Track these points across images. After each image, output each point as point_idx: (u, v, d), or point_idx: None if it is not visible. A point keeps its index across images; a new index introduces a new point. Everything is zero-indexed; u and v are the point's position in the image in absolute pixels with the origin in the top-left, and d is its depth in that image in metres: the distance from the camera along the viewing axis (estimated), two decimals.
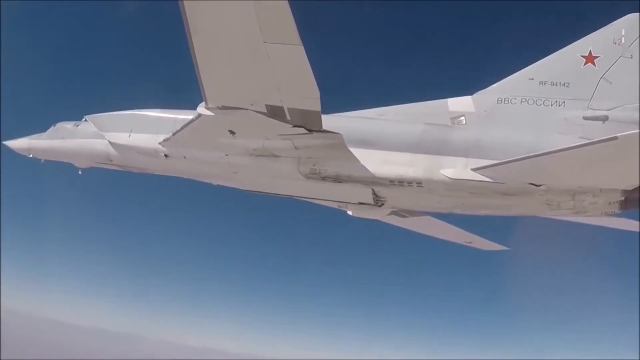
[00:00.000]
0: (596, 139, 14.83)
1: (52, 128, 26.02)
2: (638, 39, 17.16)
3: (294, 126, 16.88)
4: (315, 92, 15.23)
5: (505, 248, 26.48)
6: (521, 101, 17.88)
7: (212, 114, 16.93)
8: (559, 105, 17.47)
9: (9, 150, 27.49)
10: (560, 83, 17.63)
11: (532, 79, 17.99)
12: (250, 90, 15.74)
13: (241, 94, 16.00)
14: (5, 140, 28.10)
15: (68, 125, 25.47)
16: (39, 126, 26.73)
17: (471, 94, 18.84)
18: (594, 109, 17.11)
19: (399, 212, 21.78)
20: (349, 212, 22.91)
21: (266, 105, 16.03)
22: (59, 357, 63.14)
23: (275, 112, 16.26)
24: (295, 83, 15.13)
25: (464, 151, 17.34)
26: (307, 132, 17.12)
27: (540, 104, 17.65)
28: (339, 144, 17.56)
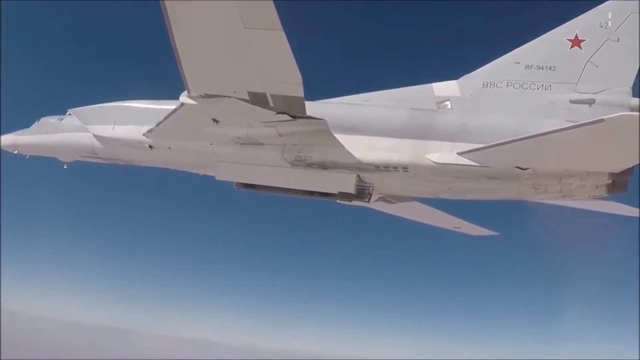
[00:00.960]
0: (582, 122, 14.75)
1: (36, 123, 25.71)
2: (624, 22, 17.05)
3: (278, 113, 16.76)
4: (298, 78, 15.07)
5: (494, 233, 26.43)
6: (507, 85, 17.78)
7: (194, 102, 16.81)
8: (545, 89, 17.40)
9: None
10: (546, 67, 17.55)
11: (518, 62, 17.89)
12: (233, 78, 15.58)
13: (223, 82, 15.84)
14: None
15: (52, 120, 25.20)
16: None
17: (457, 78, 18.71)
18: (581, 93, 17.05)
19: (386, 198, 21.67)
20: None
21: (249, 92, 15.89)
22: (56, 355, 63.02)
23: (258, 99, 16.12)
24: (277, 69, 14.96)
25: (449, 136, 17.26)
26: (290, 118, 17.02)
27: (527, 88, 17.57)
28: (323, 130, 17.43)
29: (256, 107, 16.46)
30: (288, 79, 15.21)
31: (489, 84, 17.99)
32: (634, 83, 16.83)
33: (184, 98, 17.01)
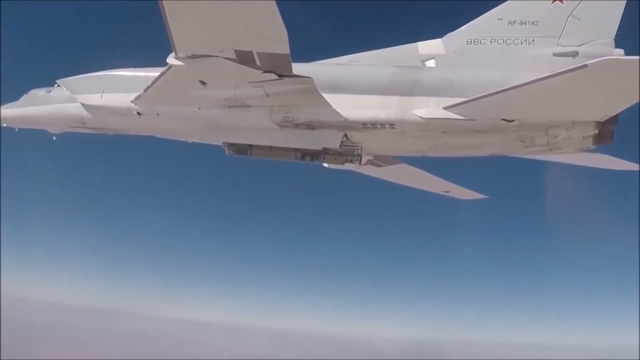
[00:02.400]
0: (566, 69, 14.96)
1: (24, 96, 25.85)
2: None
3: (264, 72, 16.90)
4: (283, 34, 15.16)
5: (484, 197, 26.63)
6: (491, 41, 17.98)
7: (182, 63, 16.88)
8: (529, 44, 17.58)
9: None
10: (529, 22, 17.72)
11: (501, 19, 18.05)
12: (219, 36, 15.63)
13: (210, 41, 15.90)
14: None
15: (40, 92, 25.33)
16: None
17: (441, 36, 18.89)
18: (564, 46, 17.24)
19: (374, 161, 21.89)
20: (325, 164, 23.00)
21: (235, 51, 15.98)
22: (57, 338, 63.02)
23: (244, 58, 16.24)
24: (263, 26, 15.01)
25: (435, 91, 17.47)
26: (277, 77, 17.16)
27: (510, 43, 17.76)
28: (310, 88, 17.62)
29: (243, 67, 16.58)
30: (274, 35, 15.28)
31: (472, 41, 18.19)
32: (617, 35, 17.02)
33: (171, 60, 17.06)
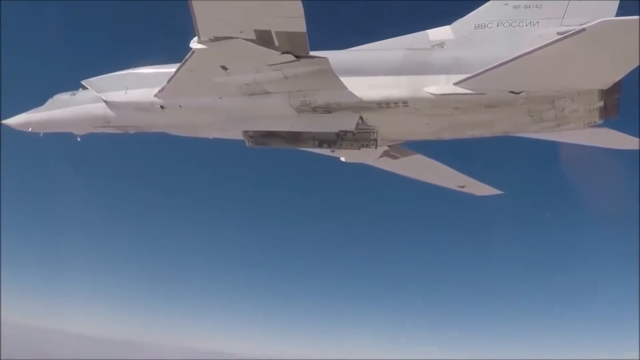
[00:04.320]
0: (566, 34, 15.70)
1: (49, 100, 27.02)
2: None
3: (283, 53, 17.74)
4: (300, 10, 15.94)
5: (499, 192, 27.05)
6: (497, 25, 18.71)
7: (205, 47, 17.80)
8: (533, 25, 18.28)
9: None
10: (533, 5, 18.43)
11: (506, 3, 18.76)
12: (239, 15, 16.47)
13: (231, 21, 16.74)
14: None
15: (65, 96, 26.52)
16: None
17: (450, 23, 19.74)
18: (567, 25, 17.77)
19: (390, 153, 22.59)
20: (342, 159, 23.77)
21: (255, 30, 16.81)
22: None
23: (263, 38, 17.09)
24: (280, 3, 15.85)
25: (445, 69, 18.25)
26: (295, 58, 18.01)
27: (516, 26, 18.46)
28: (326, 69, 18.47)
29: (262, 48, 17.41)
30: (290, 12, 16.04)
31: (480, 26, 18.93)
32: (617, 13, 17.67)
33: (194, 44, 18.00)
